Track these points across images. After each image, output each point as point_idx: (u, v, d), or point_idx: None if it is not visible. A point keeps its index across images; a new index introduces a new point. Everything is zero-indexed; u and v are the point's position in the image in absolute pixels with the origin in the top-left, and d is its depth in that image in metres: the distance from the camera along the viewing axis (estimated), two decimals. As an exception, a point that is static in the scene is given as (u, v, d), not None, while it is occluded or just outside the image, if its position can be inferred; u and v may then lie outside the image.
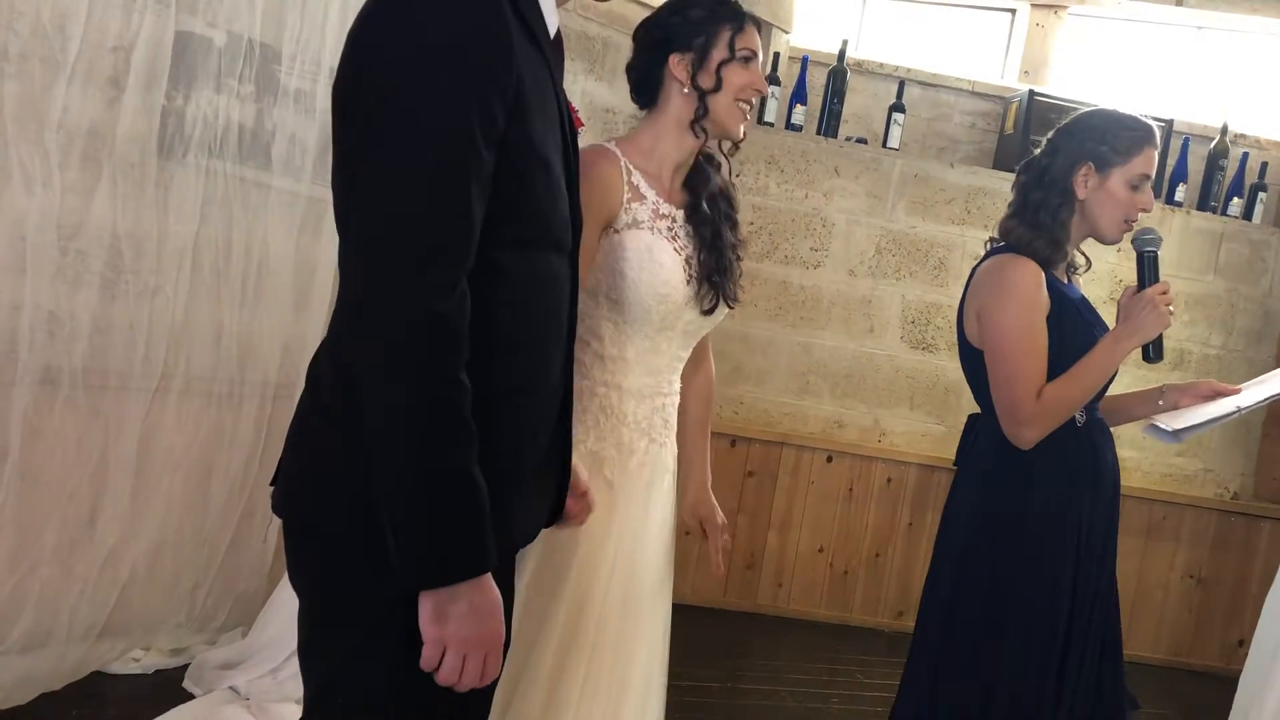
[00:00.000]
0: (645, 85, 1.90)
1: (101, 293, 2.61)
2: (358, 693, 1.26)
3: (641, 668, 1.92)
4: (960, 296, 2.20)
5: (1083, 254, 2.24)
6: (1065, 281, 2.16)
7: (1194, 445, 4.69)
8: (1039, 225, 2.08)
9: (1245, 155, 4.83)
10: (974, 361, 2.14)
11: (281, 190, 2.92)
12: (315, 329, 3.04)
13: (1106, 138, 2.07)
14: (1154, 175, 2.10)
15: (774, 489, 4.49)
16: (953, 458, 4.30)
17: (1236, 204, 4.79)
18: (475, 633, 1.18)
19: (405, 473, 1.14)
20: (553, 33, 1.34)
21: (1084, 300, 2.19)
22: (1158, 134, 2.12)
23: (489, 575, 1.19)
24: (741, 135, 1.91)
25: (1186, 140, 4.73)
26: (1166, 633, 4.64)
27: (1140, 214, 2.10)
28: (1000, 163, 4.69)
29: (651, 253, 1.82)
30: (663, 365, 1.91)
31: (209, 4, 2.69)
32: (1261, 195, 4.82)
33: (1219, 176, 4.78)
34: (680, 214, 1.90)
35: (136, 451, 2.74)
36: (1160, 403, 2.19)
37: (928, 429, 4.63)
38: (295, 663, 2.88)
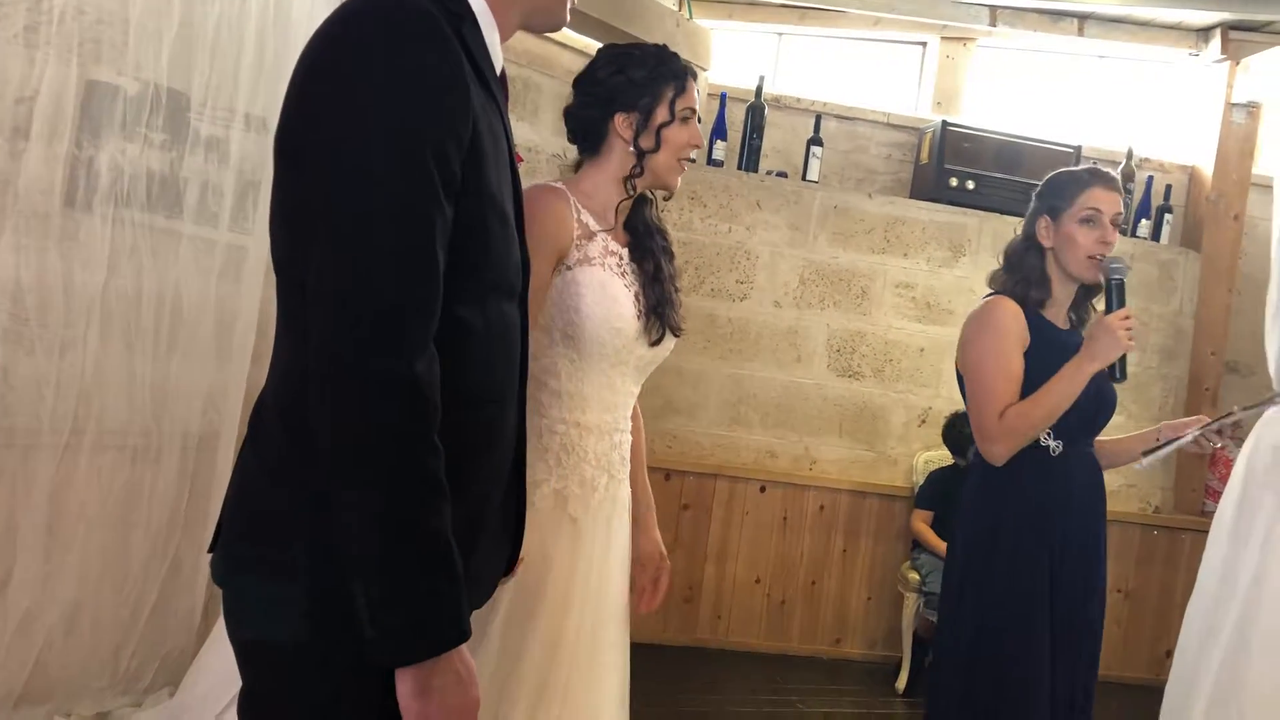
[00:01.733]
0: (589, 137, 1.96)
1: (5, 347, 2.54)
2: None
3: (612, 702, 1.94)
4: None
5: (1094, 309, 2.43)
6: (1066, 328, 2.35)
7: (1115, 461, 4.80)
8: (1012, 269, 2.35)
9: (1150, 179, 4.99)
10: (964, 391, 2.35)
11: (195, 238, 2.87)
12: (238, 378, 2.98)
13: (1055, 190, 2.35)
14: (1107, 212, 2.29)
15: (709, 521, 4.50)
16: (881, 483, 4.41)
17: (1145, 225, 4.95)
18: (457, 703, 1.15)
19: (384, 543, 1.10)
20: (498, 70, 1.32)
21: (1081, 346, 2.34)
22: (1109, 177, 2.34)
23: (466, 642, 1.16)
24: (676, 188, 1.99)
25: (1094, 165, 4.87)
26: (1098, 647, 4.72)
27: (1103, 249, 2.27)
28: (917, 192, 4.79)
29: (605, 288, 1.86)
30: (618, 401, 1.94)
31: (116, 52, 2.65)
32: (1168, 216, 4.98)
33: (1127, 200, 4.93)
34: (625, 251, 1.95)
35: (48, 510, 2.65)
36: (1159, 439, 2.37)
37: (857, 456, 4.68)
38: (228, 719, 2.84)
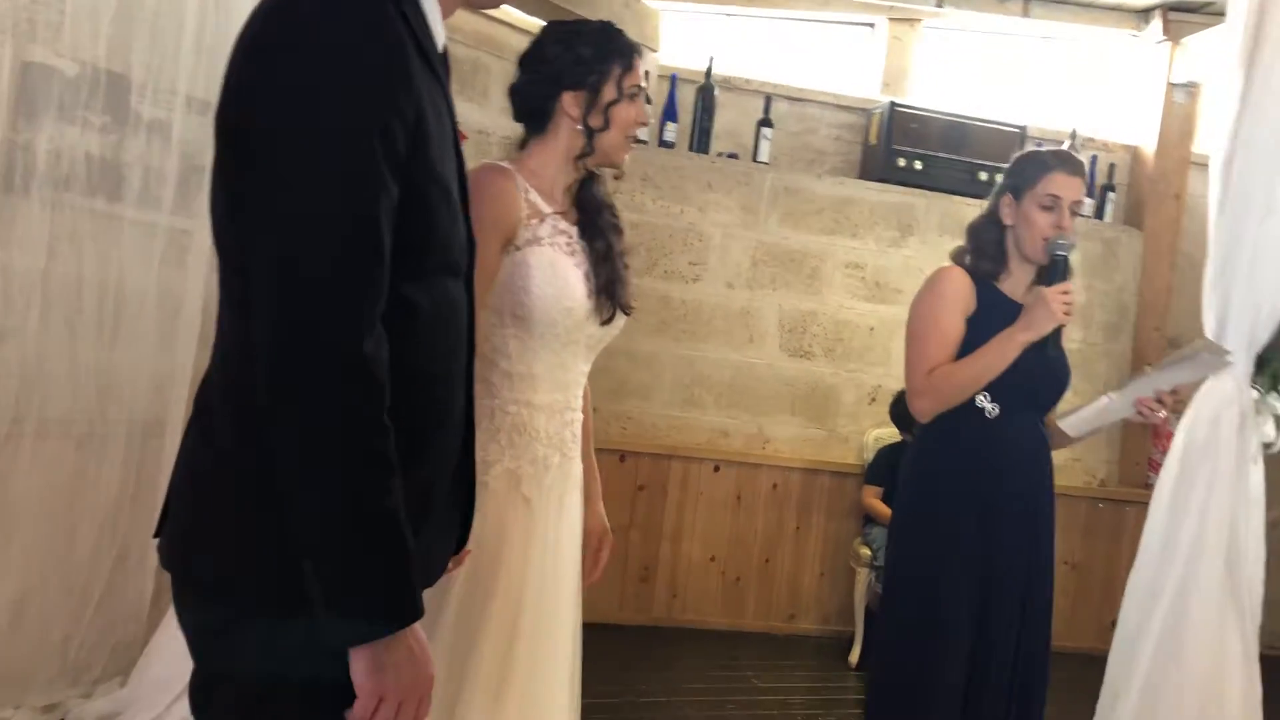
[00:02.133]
0: (536, 115, 1.94)
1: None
2: None
3: (566, 681, 1.95)
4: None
5: None
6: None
7: (1062, 436, 4.89)
8: (975, 246, 2.42)
9: (1094, 158, 5.07)
10: None
11: (138, 222, 2.83)
12: (184, 364, 2.95)
13: (1019, 170, 2.39)
14: (1066, 198, 2.33)
15: (664, 501, 4.52)
16: (833, 461, 4.45)
17: (1089, 204, 5.03)
18: (411, 681, 1.16)
19: (336, 523, 1.10)
20: (440, 48, 1.31)
21: None
22: (1074, 162, 2.37)
23: (419, 621, 1.17)
24: (624, 166, 1.98)
25: (1040, 145, 4.94)
26: (1046, 619, 4.82)
27: (1056, 233, 2.32)
28: (866, 172, 4.83)
29: (555, 268, 1.85)
30: (569, 380, 1.93)
31: (53, 32, 2.60)
32: (1111, 195, 5.07)
33: (1072, 179, 5.00)
34: (574, 230, 1.94)
35: (-9, 500, 2.62)
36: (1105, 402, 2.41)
37: (809, 434, 4.72)
38: (179, 709, 2.81)
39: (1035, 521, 2.34)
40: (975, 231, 2.43)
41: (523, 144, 1.98)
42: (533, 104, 1.93)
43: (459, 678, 1.81)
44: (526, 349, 1.87)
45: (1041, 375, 2.32)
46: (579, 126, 1.90)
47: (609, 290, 1.92)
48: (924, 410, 2.32)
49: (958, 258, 2.42)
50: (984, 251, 2.38)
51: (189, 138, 2.90)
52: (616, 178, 2.06)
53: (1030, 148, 2.51)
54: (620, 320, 1.96)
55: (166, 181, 2.88)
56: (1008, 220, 2.37)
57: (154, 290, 2.88)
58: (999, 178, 2.47)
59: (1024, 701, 2.30)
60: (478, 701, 1.81)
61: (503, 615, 1.84)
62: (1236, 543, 2.69)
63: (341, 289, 1.10)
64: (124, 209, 2.80)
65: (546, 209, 1.90)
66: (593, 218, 1.97)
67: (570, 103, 1.89)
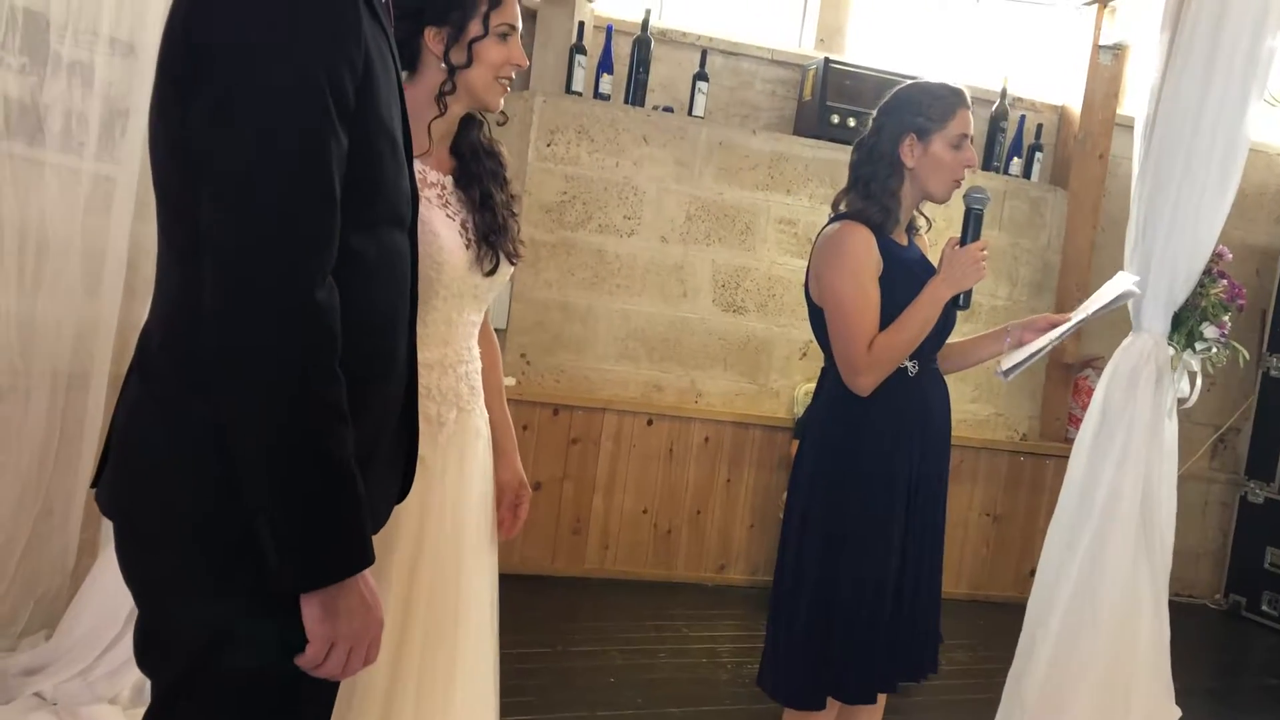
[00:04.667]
0: (404, 53, 1.82)
1: None
2: (213, 692, 1.22)
3: (473, 638, 1.92)
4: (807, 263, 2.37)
5: (924, 216, 2.43)
6: (906, 244, 2.33)
7: (985, 392, 5.01)
8: (870, 195, 2.27)
9: (1023, 118, 5.16)
10: (818, 320, 2.33)
11: (60, 167, 2.75)
12: (109, 314, 2.88)
13: (922, 108, 2.26)
14: (972, 134, 2.29)
15: (598, 454, 4.55)
16: (764, 415, 4.45)
17: (1016, 164, 5.12)
18: (363, 625, 1.18)
19: (286, 471, 1.10)
20: None
21: (922, 260, 2.36)
22: (968, 96, 2.31)
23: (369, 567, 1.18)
24: (499, 108, 1.89)
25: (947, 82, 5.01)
26: (967, 568, 4.97)
27: (965, 170, 2.28)
28: (800, 129, 4.86)
29: (424, 223, 1.78)
30: (457, 334, 1.88)
31: (-33, -31, 2.50)
32: (1038, 155, 5.16)
33: (1000, 138, 5.09)
34: (449, 180, 1.88)
35: (-90, 452, 2.55)
36: (1008, 341, 2.40)
37: (741, 388, 4.78)
38: (107, 662, 2.79)
39: (945, 464, 2.37)
40: (867, 178, 2.28)
41: None
42: (399, 39, 1.85)
43: None
44: None
45: (942, 325, 2.32)
46: (441, 64, 1.81)
47: (490, 240, 1.86)
48: (867, 386, 2.21)
49: (855, 210, 2.28)
50: (880, 203, 2.25)
51: (112, 80, 2.82)
52: (500, 123, 1.96)
53: (913, 83, 2.35)
54: (507, 269, 1.91)
55: (89, 126, 2.79)
56: (909, 162, 2.25)
57: (79, 238, 2.81)
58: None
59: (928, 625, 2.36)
60: (380, 665, 1.75)
61: (401, 578, 1.81)
62: (1150, 494, 2.80)
63: (292, 238, 1.10)
64: (44, 154, 2.72)
65: (415, 162, 1.84)
66: (469, 165, 1.90)
67: (433, 39, 1.80)
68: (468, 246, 1.84)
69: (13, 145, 2.65)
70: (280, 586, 1.14)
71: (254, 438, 1.11)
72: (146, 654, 1.28)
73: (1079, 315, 2.41)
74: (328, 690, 1.29)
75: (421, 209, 1.78)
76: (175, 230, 1.19)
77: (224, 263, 1.10)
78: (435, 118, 1.84)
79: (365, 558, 1.17)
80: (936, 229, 2.53)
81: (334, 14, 1.14)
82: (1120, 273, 2.72)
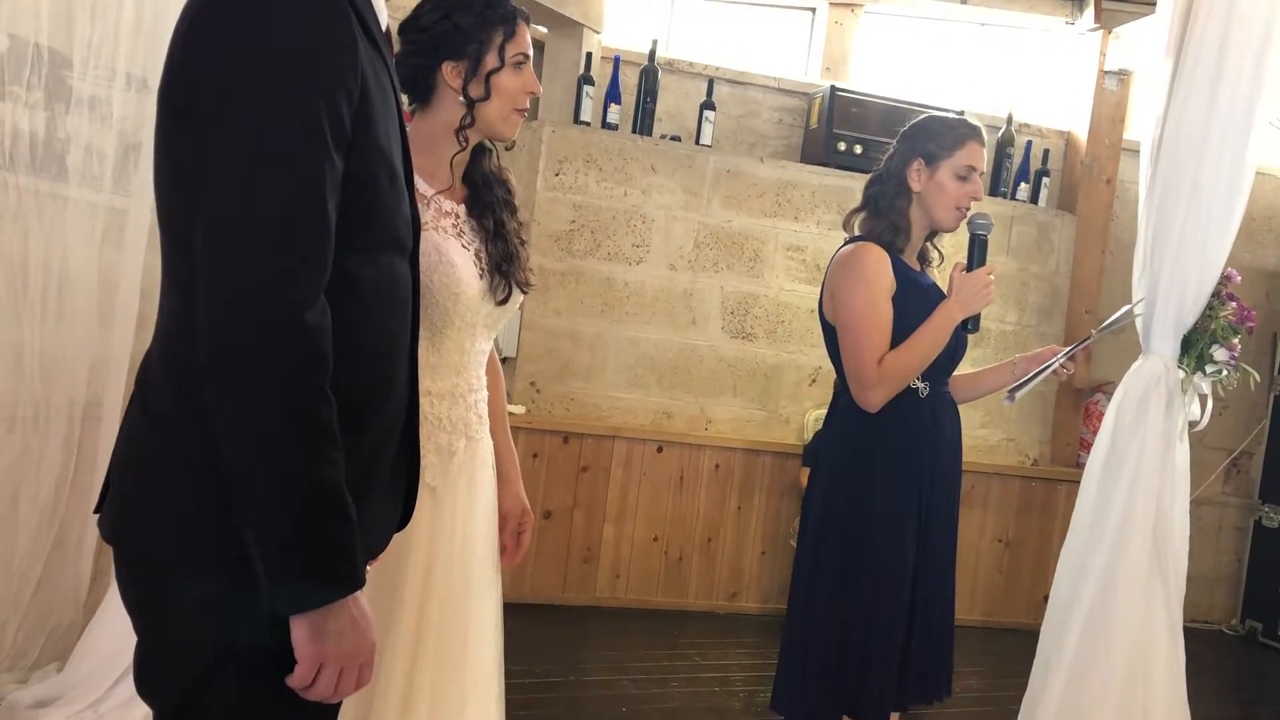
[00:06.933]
0: (418, 87, 1.86)
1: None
2: (211, 718, 1.22)
3: (481, 666, 1.92)
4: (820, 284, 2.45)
5: (936, 249, 2.49)
6: (918, 270, 2.39)
7: (996, 417, 5.01)
8: (879, 213, 2.36)
9: (1029, 143, 5.18)
10: (832, 340, 2.39)
11: (80, 202, 2.78)
12: (122, 346, 2.90)
13: (934, 136, 2.35)
14: (981, 168, 2.36)
15: (608, 482, 4.55)
16: (774, 441, 4.44)
17: (1024, 189, 5.14)
18: (353, 647, 1.18)
19: (276, 492, 1.11)
20: (384, 27, 1.31)
21: (934, 286, 2.41)
22: (983, 132, 2.38)
23: (361, 589, 1.18)
24: (513, 138, 1.91)
25: (943, 113, 5.03)
26: (980, 594, 4.94)
27: (971, 202, 2.34)
28: (807, 156, 4.88)
29: (441, 254, 1.79)
30: (469, 363, 1.89)
31: (-9, 9, 2.54)
32: (1045, 180, 5.18)
33: (1007, 164, 5.11)
34: (462, 209, 1.89)
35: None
36: (1015, 372, 2.48)
37: (750, 415, 4.78)
38: (118, 694, 2.79)
39: (956, 490, 2.40)
40: (878, 199, 2.36)
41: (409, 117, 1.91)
42: (413, 75, 1.84)
43: (370, 688, 1.79)
44: (422, 337, 1.85)
45: (956, 348, 2.36)
46: (460, 98, 1.82)
47: (503, 269, 1.87)
48: (876, 402, 2.26)
49: (869, 231, 2.36)
50: (889, 220, 2.33)
51: (127, 115, 2.86)
52: (508, 149, 1.98)
53: (931, 114, 2.45)
54: (518, 297, 1.91)
55: (106, 160, 2.83)
56: (916, 187, 2.33)
57: (95, 270, 2.83)
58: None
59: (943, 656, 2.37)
60: (394, 691, 1.78)
61: (412, 606, 1.81)
62: (1163, 518, 2.79)
63: (284, 259, 1.11)
64: (67, 188, 2.75)
65: (429, 190, 1.83)
66: (482, 194, 1.91)
67: (450, 73, 1.81)
68: (481, 276, 1.85)
69: (39, 182, 2.69)
70: (270, 608, 1.14)
71: (243, 456, 1.11)
72: (145, 680, 1.28)
73: (1085, 341, 2.46)
74: (327, 714, 1.28)
75: (437, 239, 1.80)
76: (176, 259, 1.21)
77: (215, 281, 1.11)
78: (457, 153, 1.86)
79: (355, 581, 1.17)
80: (947, 257, 2.56)
81: (330, 42, 1.16)
82: (1127, 308, 2.77)
